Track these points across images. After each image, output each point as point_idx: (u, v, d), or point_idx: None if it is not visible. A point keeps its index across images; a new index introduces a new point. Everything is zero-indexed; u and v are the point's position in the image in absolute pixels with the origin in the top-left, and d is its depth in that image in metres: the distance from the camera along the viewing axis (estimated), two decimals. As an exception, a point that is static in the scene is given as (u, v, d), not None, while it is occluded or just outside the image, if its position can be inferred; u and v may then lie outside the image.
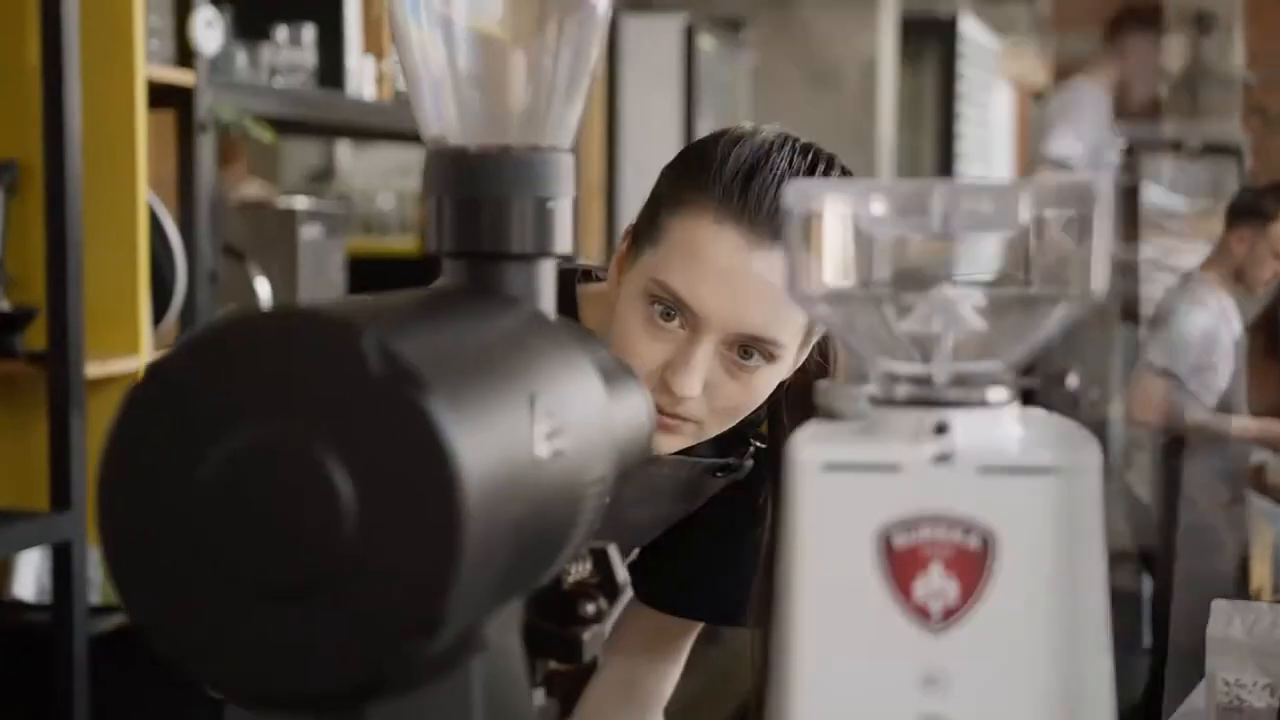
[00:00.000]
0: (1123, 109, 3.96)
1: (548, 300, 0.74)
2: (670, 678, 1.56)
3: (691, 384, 1.22)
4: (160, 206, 2.47)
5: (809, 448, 0.62)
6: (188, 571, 0.58)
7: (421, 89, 0.74)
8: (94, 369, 2.34)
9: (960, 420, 0.62)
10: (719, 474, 1.40)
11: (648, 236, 1.26)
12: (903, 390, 0.64)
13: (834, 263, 0.65)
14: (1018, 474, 0.61)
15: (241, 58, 2.89)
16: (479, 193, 0.72)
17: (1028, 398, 0.65)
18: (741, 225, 1.21)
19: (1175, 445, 3.97)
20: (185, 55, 2.58)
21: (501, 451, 0.59)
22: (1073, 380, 4.17)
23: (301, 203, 3.17)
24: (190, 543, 0.58)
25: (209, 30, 2.54)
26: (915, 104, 7.42)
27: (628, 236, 1.31)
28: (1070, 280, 0.62)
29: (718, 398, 1.25)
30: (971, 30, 7.52)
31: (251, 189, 4.00)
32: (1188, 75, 8.37)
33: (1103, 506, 0.62)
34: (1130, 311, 4.41)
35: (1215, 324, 3.89)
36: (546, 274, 0.74)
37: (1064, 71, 9.54)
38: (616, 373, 0.78)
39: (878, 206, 0.63)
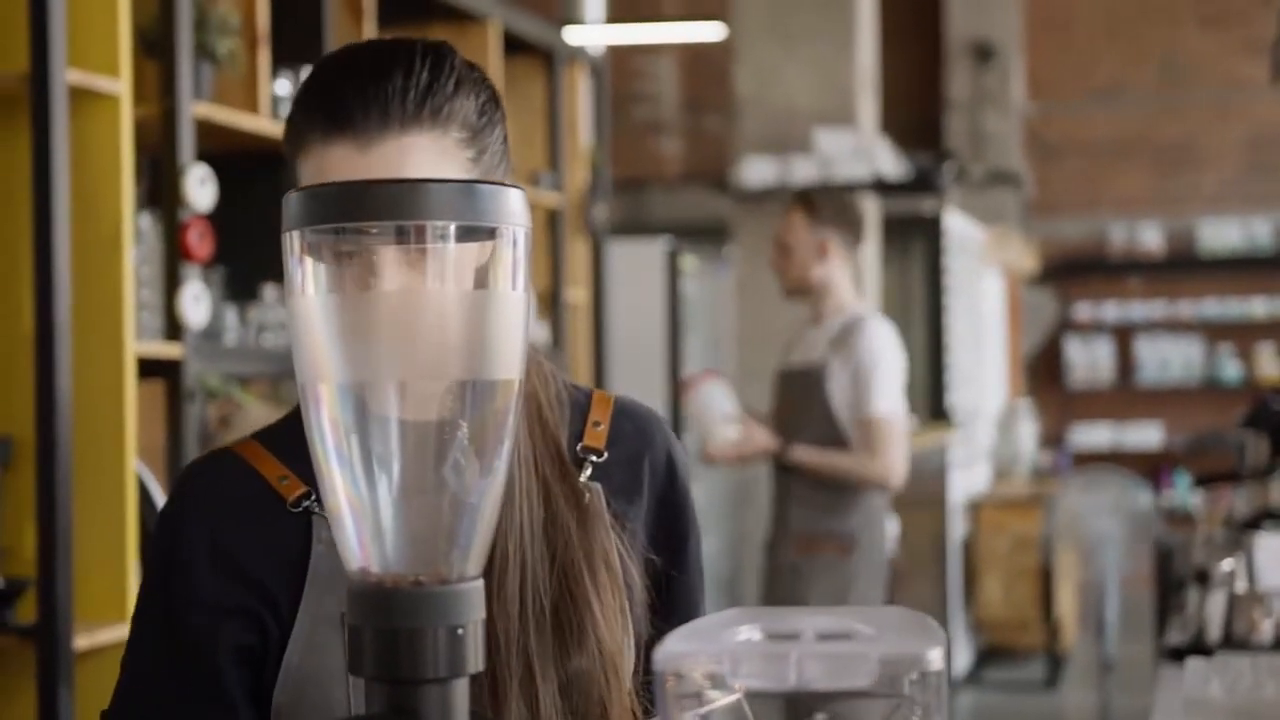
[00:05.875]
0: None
1: (460, 716, 0.81)
2: None
3: None
4: (149, 475, 2.55)
5: None
6: None
7: (345, 525, 0.83)
8: (83, 640, 2.40)
9: None
10: None
11: None
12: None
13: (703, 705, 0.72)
14: None
15: (232, 317, 3.00)
16: (396, 624, 0.81)
17: None
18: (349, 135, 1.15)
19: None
20: (174, 328, 2.69)
21: None
22: None
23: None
24: None
25: (196, 304, 2.66)
26: (904, 298, 7.53)
27: None
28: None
29: None
30: (956, 224, 7.66)
31: None
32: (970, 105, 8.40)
33: None
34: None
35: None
36: (460, 692, 0.81)
37: (1051, 255, 9.68)
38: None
39: (741, 666, 0.71)
